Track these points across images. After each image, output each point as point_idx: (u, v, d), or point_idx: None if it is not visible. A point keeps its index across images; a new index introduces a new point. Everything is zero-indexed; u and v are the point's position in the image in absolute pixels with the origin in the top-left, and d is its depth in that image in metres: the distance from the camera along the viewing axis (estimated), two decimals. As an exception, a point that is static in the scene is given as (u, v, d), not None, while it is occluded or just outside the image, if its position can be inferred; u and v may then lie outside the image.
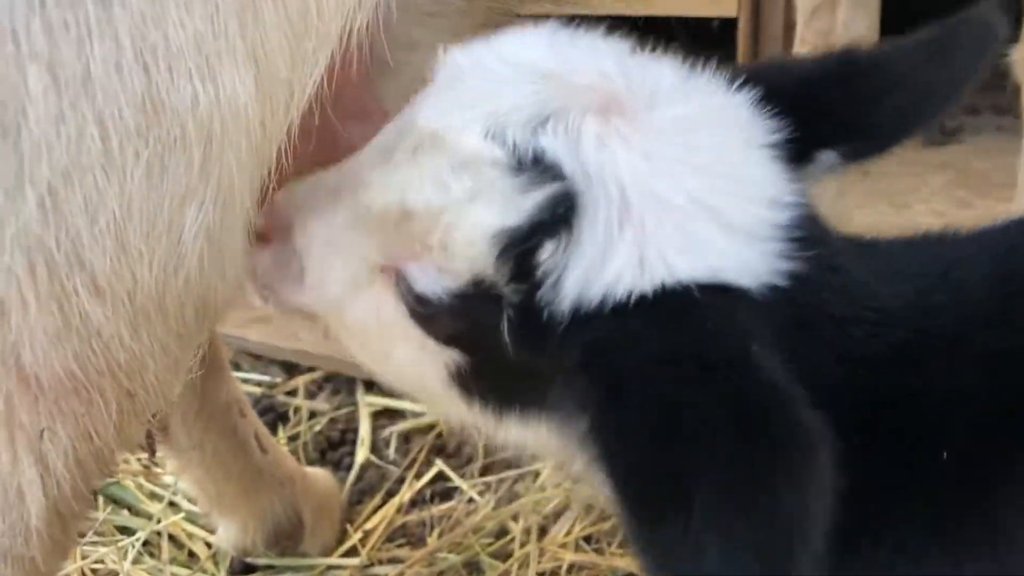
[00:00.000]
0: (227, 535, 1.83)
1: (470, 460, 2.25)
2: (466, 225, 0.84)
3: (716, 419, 0.75)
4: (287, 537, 1.89)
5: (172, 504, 2.06)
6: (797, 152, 0.93)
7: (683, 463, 0.74)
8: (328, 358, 2.43)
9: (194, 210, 0.81)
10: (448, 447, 2.28)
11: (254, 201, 0.87)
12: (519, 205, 0.83)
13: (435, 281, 0.88)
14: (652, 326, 0.80)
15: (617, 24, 1.00)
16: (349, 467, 2.23)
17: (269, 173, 0.88)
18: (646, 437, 0.76)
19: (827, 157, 0.98)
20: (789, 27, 3.17)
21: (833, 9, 2.20)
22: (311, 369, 2.45)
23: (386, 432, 2.31)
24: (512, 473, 2.20)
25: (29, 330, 0.78)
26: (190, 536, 2.01)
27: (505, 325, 0.85)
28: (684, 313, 0.81)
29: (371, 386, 2.42)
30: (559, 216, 0.82)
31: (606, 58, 0.90)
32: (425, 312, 0.90)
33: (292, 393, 2.40)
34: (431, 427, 2.31)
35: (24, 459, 0.83)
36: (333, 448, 2.31)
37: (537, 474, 2.19)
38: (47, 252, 0.76)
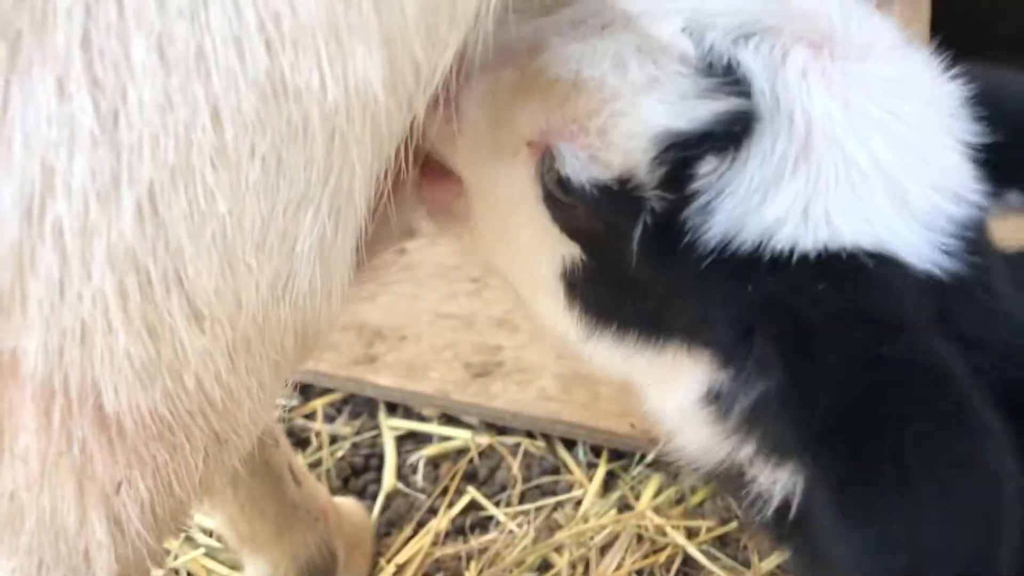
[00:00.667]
0: (257, 574, 1.68)
1: (504, 487, 2.11)
2: (633, 115, 0.79)
3: (919, 379, 0.72)
4: (320, 573, 1.74)
5: (188, 539, 1.89)
6: (989, 170, 0.87)
7: (888, 421, 0.71)
8: (346, 379, 2.28)
9: (310, 218, 0.67)
10: (480, 473, 2.14)
11: (368, 210, 0.73)
12: (694, 110, 0.78)
13: (583, 167, 0.82)
14: (833, 287, 0.76)
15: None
16: (374, 495, 2.08)
17: (385, 175, 0.74)
18: (846, 395, 0.72)
19: (1015, 197, 0.91)
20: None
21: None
22: (329, 391, 2.30)
23: (413, 458, 2.17)
24: (550, 501, 2.07)
25: (113, 363, 0.63)
26: (209, 572, 1.85)
27: (638, 232, 0.80)
28: (860, 278, 0.76)
29: (393, 408, 2.28)
30: (732, 134, 0.77)
31: None
32: (560, 197, 0.85)
33: (310, 416, 2.25)
34: (461, 451, 2.17)
35: (94, 517, 0.68)
36: (356, 475, 2.16)
37: (578, 502, 2.06)
38: (141, 269, 0.61)
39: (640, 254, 0.81)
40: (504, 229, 0.95)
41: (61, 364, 0.62)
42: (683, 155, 0.78)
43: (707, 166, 0.77)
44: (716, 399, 0.84)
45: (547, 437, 2.17)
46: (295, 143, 0.63)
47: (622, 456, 2.11)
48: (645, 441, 2.07)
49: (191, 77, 0.58)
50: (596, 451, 2.14)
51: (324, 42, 0.62)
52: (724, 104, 0.77)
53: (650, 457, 2.05)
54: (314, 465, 2.13)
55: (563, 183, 0.84)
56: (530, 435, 2.18)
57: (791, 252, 0.76)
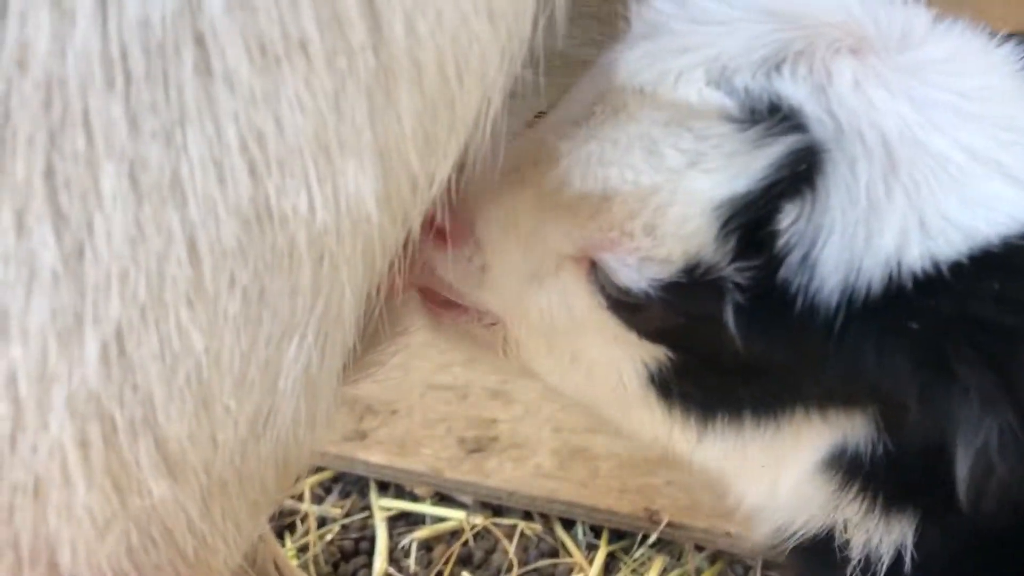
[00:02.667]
0: (238, 677, 1.57)
1: (500, 571, 2.02)
2: (681, 200, 0.70)
3: None
4: (305, 674, 1.63)
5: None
6: None
7: None
8: (336, 456, 2.20)
9: (294, 348, 0.60)
10: (475, 556, 2.05)
11: (357, 331, 0.67)
12: (748, 166, 0.68)
13: (638, 272, 0.73)
14: (1013, 280, 0.67)
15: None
16: (365, 580, 1.99)
17: (377, 293, 0.67)
18: None
19: None
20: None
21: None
22: (318, 469, 2.21)
23: (405, 540, 2.08)
24: (550, 586, 1.99)
25: (71, 518, 0.56)
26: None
27: (731, 315, 0.71)
28: None
29: (385, 487, 2.19)
30: (800, 174, 0.68)
31: None
32: (627, 303, 0.77)
33: (298, 497, 2.15)
34: (455, 533, 2.08)
35: None
36: (346, 559, 2.07)
37: (578, 587, 1.98)
38: (106, 416, 0.54)
39: (743, 335, 0.72)
40: (570, 352, 0.86)
41: (11, 522, 0.55)
42: (751, 216, 0.69)
43: (787, 217, 0.69)
44: (852, 457, 0.76)
45: (545, 516, 2.09)
46: (280, 271, 0.57)
47: (623, 536, 2.03)
48: (647, 521, 1.99)
49: (165, 205, 0.52)
50: (596, 531, 2.06)
51: (313, 161, 0.56)
52: (780, 147, 0.69)
53: (653, 538, 1.97)
54: (302, 549, 2.04)
55: (624, 292, 0.76)
56: (527, 514, 2.10)
57: (937, 268, 0.68)
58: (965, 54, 0.77)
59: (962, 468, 0.67)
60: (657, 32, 0.76)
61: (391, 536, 2.08)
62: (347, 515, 2.11)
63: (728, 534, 1.90)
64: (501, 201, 0.82)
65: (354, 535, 2.09)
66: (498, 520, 2.08)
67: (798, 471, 0.80)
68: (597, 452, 2.16)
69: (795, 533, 0.83)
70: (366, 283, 0.64)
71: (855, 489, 0.77)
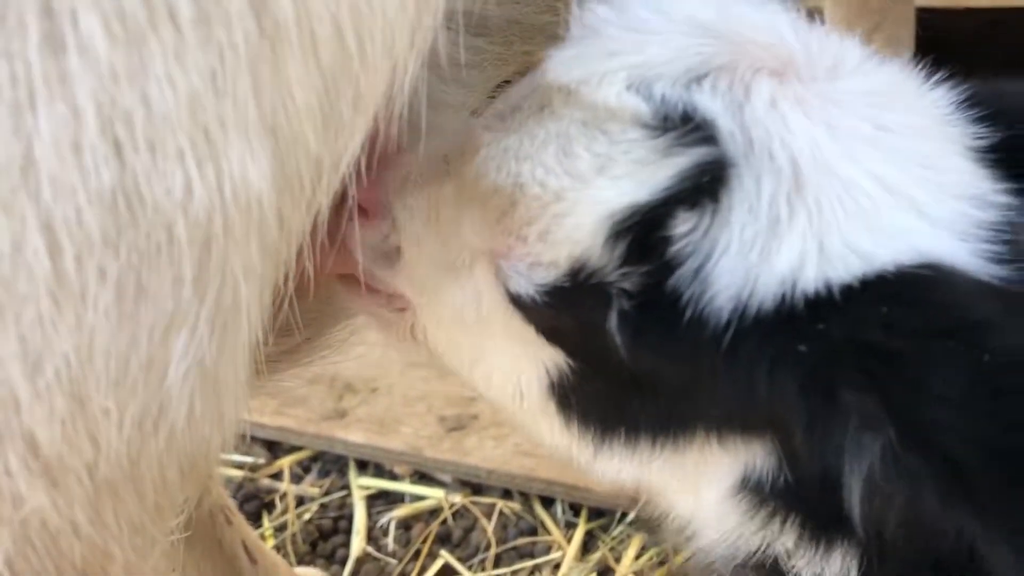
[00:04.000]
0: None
1: (479, 549, 2.00)
2: (580, 210, 0.68)
3: None
4: (278, 657, 1.61)
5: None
6: (1006, 169, 0.76)
7: None
8: (315, 436, 2.18)
9: (183, 342, 0.56)
10: (454, 535, 2.03)
11: (265, 317, 0.62)
12: (654, 175, 0.67)
13: (526, 278, 0.72)
14: (904, 305, 0.64)
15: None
16: (344, 560, 1.98)
17: (286, 280, 0.63)
18: (988, 421, 0.60)
19: None
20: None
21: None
22: (296, 448, 2.18)
23: (383, 519, 2.07)
24: (528, 564, 1.97)
25: None
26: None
27: (615, 322, 0.69)
28: (926, 287, 0.65)
29: (364, 466, 2.17)
30: (703, 186, 0.66)
31: (779, 21, 0.76)
32: (527, 306, 0.74)
33: (277, 476, 2.13)
34: (434, 512, 2.06)
35: None
36: (324, 538, 2.05)
37: (557, 565, 1.95)
38: None
39: (628, 344, 0.69)
40: (476, 349, 0.84)
41: None
42: (642, 221, 0.67)
43: (682, 224, 0.67)
44: (758, 486, 0.73)
45: (524, 495, 2.07)
46: (157, 262, 0.53)
47: (602, 514, 2.01)
48: (626, 498, 1.97)
49: (17, 193, 0.47)
50: (575, 509, 2.04)
51: (189, 141, 0.51)
52: (687, 157, 0.67)
53: (631, 515, 1.95)
54: (280, 529, 2.02)
55: (515, 299, 0.74)
56: (506, 493, 2.08)
57: (829, 291, 0.65)
58: (893, 90, 0.75)
59: (852, 496, 0.65)
60: (592, 36, 0.75)
61: (370, 515, 2.06)
62: (326, 494, 2.09)
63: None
64: (423, 188, 0.79)
65: (332, 514, 2.07)
66: (477, 499, 2.06)
67: (713, 493, 0.76)
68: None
69: (732, 553, 0.79)
70: (267, 273, 0.60)
71: (772, 516, 0.74)
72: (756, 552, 0.77)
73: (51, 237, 0.49)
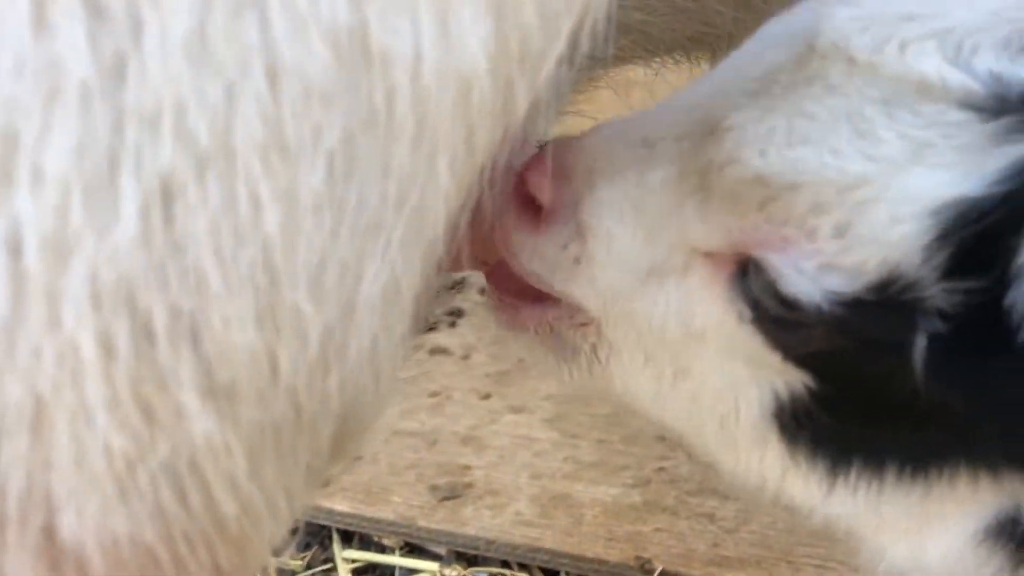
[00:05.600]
0: None
1: (476, 628, 1.85)
2: (892, 197, 0.56)
3: None
4: None
5: None
6: None
7: None
8: (297, 503, 2.01)
9: (380, 251, 0.46)
10: (449, 612, 1.87)
11: (445, 247, 0.52)
12: (985, 165, 0.55)
13: (812, 281, 0.59)
14: None
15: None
16: (329, 639, 1.80)
17: (463, 206, 0.54)
18: None
19: None
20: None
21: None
22: (277, 517, 2.01)
23: (372, 594, 1.90)
24: (530, 644, 1.82)
25: (82, 461, 0.39)
26: None
27: (922, 347, 0.57)
28: None
29: (349, 537, 2.01)
30: None
31: None
32: (786, 316, 0.62)
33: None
34: (426, 586, 1.91)
35: None
36: (308, 616, 1.87)
37: (559, 644, 1.81)
38: (141, 312, 0.38)
39: (930, 373, 0.58)
40: (677, 366, 0.72)
41: (-4, 463, 0.38)
42: (981, 226, 0.56)
43: None
44: (1019, 533, 0.63)
45: (526, 567, 1.94)
46: (375, 135, 0.43)
47: (610, 588, 1.88)
48: (639, 570, 1.85)
49: (242, 13, 0.38)
50: (581, 583, 1.91)
51: (424, -11, 0.43)
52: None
53: (643, 589, 1.83)
54: (257, 607, 1.83)
55: (788, 303, 0.62)
56: (506, 565, 1.94)
57: None
58: None
59: None
60: None
61: (358, 590, 1.89)
62: (308, 567, 1.92)
63: (725, 584, 1.78)
64: (622, 178, 0.69)
65: (317, 589, 1.89)
66: (475, 570, 1.91)
67: (952, 537, 0.67)
68: (580, 499, 2.03)
69: None
70: (463, 180, 0.50)
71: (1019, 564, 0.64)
72: None
73: (274, 77, 0.39)
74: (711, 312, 0.67)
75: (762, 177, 0.60)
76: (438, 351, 2.69)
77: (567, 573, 1.90)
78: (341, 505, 2.00)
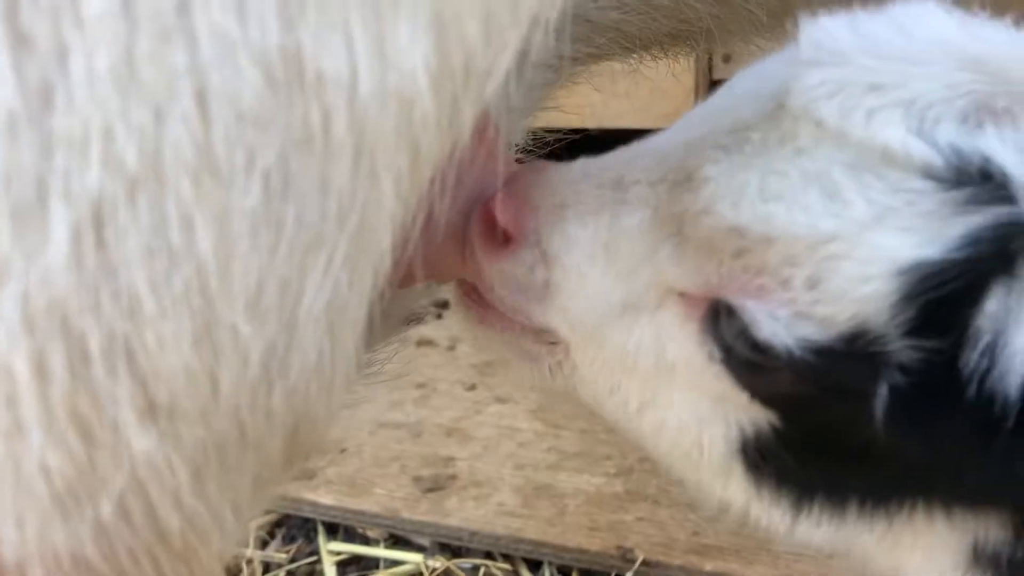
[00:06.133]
0: None
1: (460, 617, 1.86)
2: (860, 255, 0.58)
3: None
4: None
5: None
6: None
7: None
8: (280, 497, 2.02)
9: (321, 267, 0.46)
10: (433, 602, 1.89)
11: (392, 259, 0.53)
12: (946, 231, 0.57)
13: (787, 328, 0.61)
14: None
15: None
16: (314, 631, 1.81)
17: (412, 220, 0.54)
18: None
19: None
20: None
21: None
22: (262, 512, 2.02)
23: (356, 586, 1.91)
24: (512, 633, 1.84)
25: (21, 482, 0.40)
26: None
27: (883, 396, 0.59)
28: None
29: (333, 530, 2.02)
30: (1005, 252, 0.57)
31: None
32: (755, 359, 0.64)
33: (241, 541, 1.95)
34: (410, 577, 1.92)
35: None
36: (292, 609, 1.88)
37: (542, 632, 1.82)
38: (75, 335, 0.39)
39: (889, 420, 0.61)
40: (645, 398, 0.74)
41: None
42: (946, 289, 0.58)
43: (994, 298, 0.58)
44: (989, 559, 0.65)
45: (509, 558, 1.95)
46: (311, 154, 0.43)
47: (593, 576, 1.90)
48: (620, 559, 1.86)
49: (169, 39, 0.38)
50: (564, 572, 1.92)
51: (358, 9, 0.43)
52: (984, 217, 0.59)
53: (626, 577, 1.84)
54: (245, 597, 1.84)
55: (759, 347, 0.63)
56: (490, 556, 1.95)
57: None
58: None
59: None
60: (834, 60, 0.65)
61: (342, 582, 1.90)
62: (293, 560, 1.93)
63: (706, 573, 1.79)
64: (594, 219, 0.70)
65: (301, 582, 1.90)
66: (459, 562, 1.92)
67: (927, 563, 0.69)
68: (563, 489, 2.04)
69: None
70: (410, 195, 0.50)
71: None
72: None
73: (203, 101, 0.39)
74: (682, 349, 0.69)
75: (736, 228, 0.62)
76: (424, 343, 2.70)
77: (549, 563, 1.91)
78: (326, 498, 2.01)
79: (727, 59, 2.91)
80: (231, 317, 0.43)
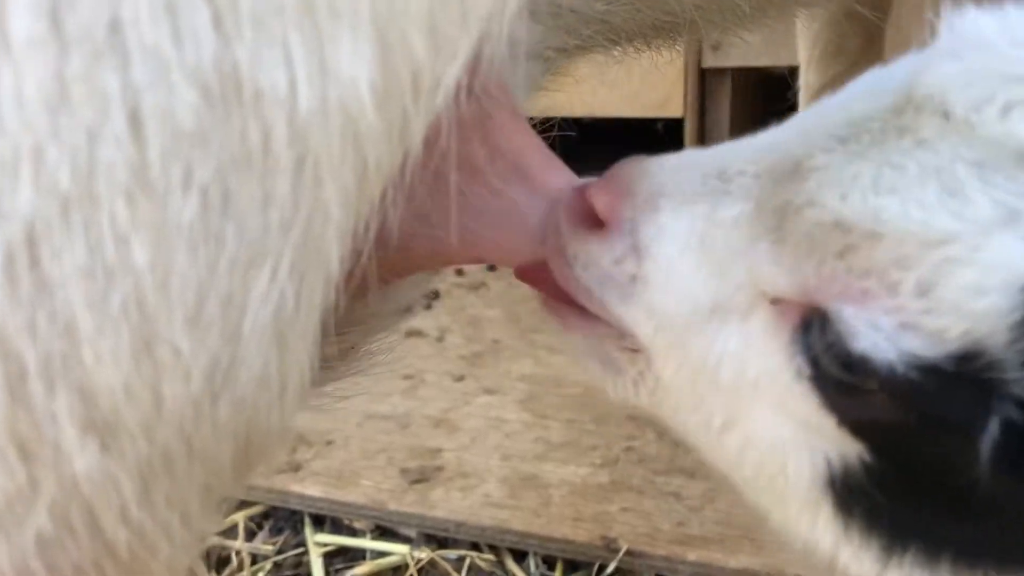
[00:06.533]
0: None
1: (446, 609, 1.88)
2: (980, 262, 0.52)
3: None
4: None
5: None
6: None
7: None
8: (267, 490, 2.04)
9: (265, 280, 0.46)
10: (419, 595, 1.90)
11: (341, 272, 0.53)
12: None
13: (889, 340, 0.55)
14: None
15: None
16: (301, 622, 1.82)
17: (365, 229, 0.54)
18: None
19: None
20: (735, 127, 3.09)
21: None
22: (248, 504, 2.03)
23: (343, 577, 1.92)
24: (499, 626, 1.85)
25: None
26: None
27: (992, 433, 0.53)
28: None
29: (320, 521, 2.03)
30: None
31: None
32: (846, 379, 0.58)
33: (229, 533, 1.97)
34: (397, 568, 1.93)
35: None
36: (280, 599, 1.89)
37: (530, 627, 1.84)
38: (12, 355, 0.39)
39: (997, 463, 0.54)
40: (725, 416, 0.68)
41: None
42: None
43: None
44: None
45: (494, 548, 1.96)
46: (251, 170, 0.43)
47: (578, 567, 1.91)
48: (604, 550, 1.87)
49: (100, 60, 0.38)
50: (549, 563, 1.93)
51: (296, 24, 0.43)
52: None
53: (611, 568, 1.85)
54: (233, 589, 1.85)
55: (855, 362, 0.57)
56: (474, 546, 1.96)
57: None
58: None
59: None
60: (975, 50, 0.60)
61: (328, 573, 1.91)
62: (280, 552, 1.94)
63: (689, 562, 1.80)
64: (690, 209, 0.65)
65: (288, 573, 1.92)
66: (444, 552, 1.93)
67: None
68: (548, 480, 2.05)
69: None
70: (357, 207, 0.51)
71: None
72: None
73: (136, 121, 0.39)
74: (768, 364, 0.63)
75: (842, 222, 0.57)
76: (413, 333, 2.70)
77: (535, 554, 1.92)
78: (312, 490, 2.02)
79: (716, 47, 2.90)
80: (170, 331, 0.43)
